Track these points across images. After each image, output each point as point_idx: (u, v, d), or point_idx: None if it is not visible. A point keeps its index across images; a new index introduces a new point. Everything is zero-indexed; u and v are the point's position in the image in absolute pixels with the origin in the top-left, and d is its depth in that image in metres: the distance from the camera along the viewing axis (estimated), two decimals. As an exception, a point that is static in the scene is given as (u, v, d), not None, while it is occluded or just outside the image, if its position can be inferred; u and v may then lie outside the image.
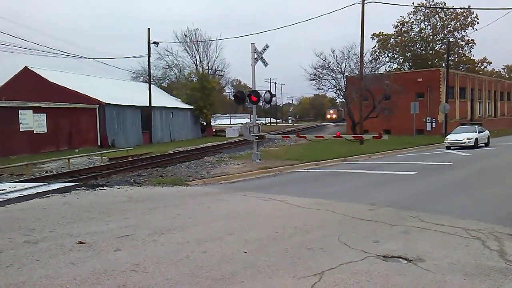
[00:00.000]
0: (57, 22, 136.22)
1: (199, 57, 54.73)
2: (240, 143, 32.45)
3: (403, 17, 65.81)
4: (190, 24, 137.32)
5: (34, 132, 27.00)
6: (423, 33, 64.94)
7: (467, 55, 66.76)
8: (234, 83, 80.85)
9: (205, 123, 51.36)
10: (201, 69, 53.29)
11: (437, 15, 63.88)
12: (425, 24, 64.96)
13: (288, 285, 4.71)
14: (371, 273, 4.97)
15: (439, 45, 64.77)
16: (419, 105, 35.57)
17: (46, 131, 27.88)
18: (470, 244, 6.07)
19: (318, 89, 41.74)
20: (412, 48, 66.41)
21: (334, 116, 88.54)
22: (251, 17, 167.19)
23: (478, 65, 71.48)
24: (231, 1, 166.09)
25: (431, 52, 65.51)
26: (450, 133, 26.92)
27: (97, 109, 32.59)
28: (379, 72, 41.04)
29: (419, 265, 5.23)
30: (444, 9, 61.62)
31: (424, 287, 4.59)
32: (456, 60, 65.29)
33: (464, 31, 63.37)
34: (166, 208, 9.13)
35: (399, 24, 65.57)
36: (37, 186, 12.67)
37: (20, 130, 25.98)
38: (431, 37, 64.96)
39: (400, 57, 67.43)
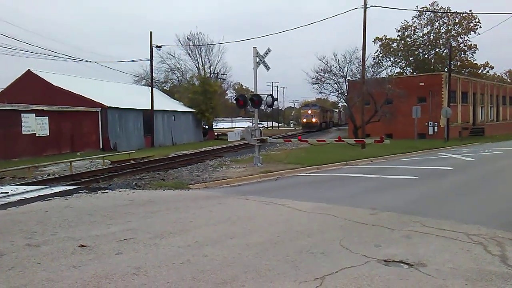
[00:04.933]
0: (58, 25, 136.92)
1: (201, 61, 54.94)
2: (242, 147, 32.45)
3: (406, 21, 65.87)
4: (193, 27, 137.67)
5: (37, 135, 27.06)
6: (426, 38, 64.94)
7: (469, 59, 66.72)
8: (236, 87, 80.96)
9: (207, 127, 51.41)
10: (203, 73, 53.42)
11: (440, 20, 63.89)
12: (427, 29, 65.02)
13: (289, 290, 4.71)
14: (372, 278, 4.96)
15: (442, 50, 64.74)
16: (421, 109, 35.56)
17: (48, 134, 27.95)
18: (472, 249, 6.06)
19: (320, 93, 41.67)
20: (415, 53, 66.40)
21: (314, 120, 59.69)
22: (254, 20, 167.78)
23: (481, 70, 71.37)
24: (235, 4, 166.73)
25: (434, 56, 65.48)
26: None
27: (99, 112, 32.64)
28: (381, 76, 41.04)
29: (421, 269, 5.23)
30: (448, 13, 61.60)
31: (425, 292, 4.58)
32: (458, 64, 65.25)
33: (467, 36, 63.39)
34: (167, 212, 9.13)
35: (402, 28, 65.65)
36: (39, 189, 12.69)
37: (23, 133, 26.04)
38: (434, 41, 64.94)
39: (403, 61, 67.43)
